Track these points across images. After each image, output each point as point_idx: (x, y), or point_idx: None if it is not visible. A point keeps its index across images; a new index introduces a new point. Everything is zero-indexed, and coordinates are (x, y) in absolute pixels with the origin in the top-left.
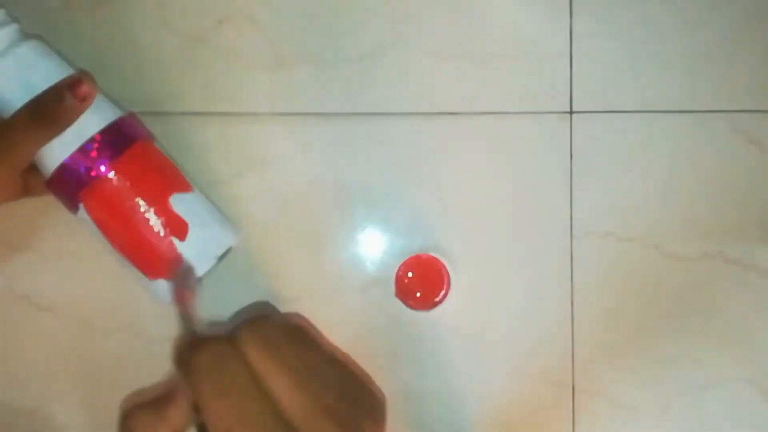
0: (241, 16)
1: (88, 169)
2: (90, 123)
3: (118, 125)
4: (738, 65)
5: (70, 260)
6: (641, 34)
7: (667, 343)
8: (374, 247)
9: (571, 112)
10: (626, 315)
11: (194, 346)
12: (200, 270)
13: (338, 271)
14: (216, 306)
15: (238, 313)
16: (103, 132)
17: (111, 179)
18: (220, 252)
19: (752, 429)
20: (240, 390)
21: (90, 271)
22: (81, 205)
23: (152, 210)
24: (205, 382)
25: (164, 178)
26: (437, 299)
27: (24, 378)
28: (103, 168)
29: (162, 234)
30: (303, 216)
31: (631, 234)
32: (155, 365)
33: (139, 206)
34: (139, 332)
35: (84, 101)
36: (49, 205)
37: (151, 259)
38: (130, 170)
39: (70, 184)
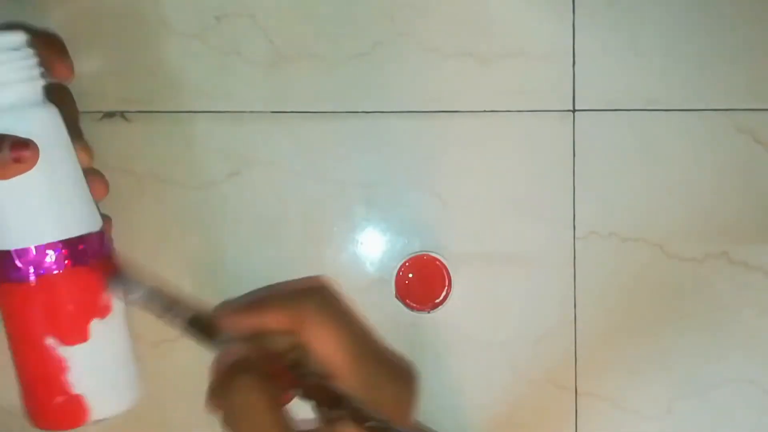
0: (238, 13)
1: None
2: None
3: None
4: (743, 63)
5: None
6: (644, 31)
7: (671, 344)
8: (374, 247)
9: (573, 111)
10: (629, 316)
11: (297, 295)
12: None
13: (338, 271)
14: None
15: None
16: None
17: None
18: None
19: (756, 431)
20: (358, 323)
21: None
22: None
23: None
24: (325, 317)
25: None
26: (438, 300)
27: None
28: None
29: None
30: (302, 216)
31: (634, 234)
32: (154, 366)
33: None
34: (137, 334)
35: (18, 162)
36: None
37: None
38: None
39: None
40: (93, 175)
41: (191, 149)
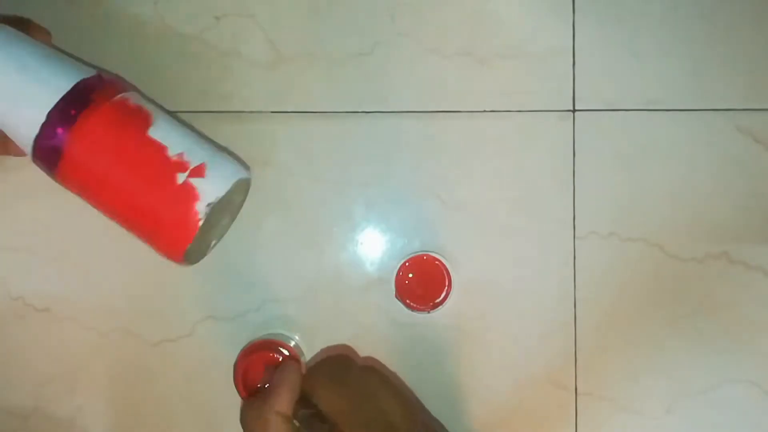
0: (238, 13)
1: (56, 145)
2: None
3: (77, 89)
4: (743, 63)
5: (66, 261)
6: (644, 32)
7: (671, 344)
8: (374, 247)
9: (573, 111)
10: (629, 316)
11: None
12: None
13: (338, 272)
14: (215, 306)
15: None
16: (63, 100)
17: (80, 143)
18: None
19: (756, 431)
20: (357, 387)
21: (86, 273)
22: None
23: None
24: (328, 377)
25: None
26: (438, 300)
27: (20, 378)
28: (65, 137)
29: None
30: (302, 216)
31: (634, 234)
32: (152, 366)
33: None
34: (135, 333)
35: None
36: (46, 206)
37: (169, 214)
38: (94, 131)
39: (48, 159)
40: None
41: None
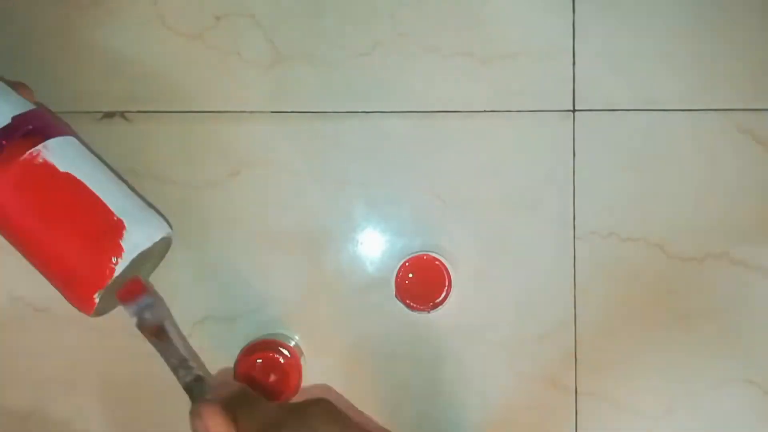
0: (238, 13)
1: None
2: None
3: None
4: (743, 63)
5: None
6: (645, 31)
7: (671, 344)
8: (374, 247)
9: (573, 111)
10: (629, 316)
11: (270, 426)
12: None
13: (338, 272)
14: (215, 306)
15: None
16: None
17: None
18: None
19: (756, 431)
20: None
21: None
22: None
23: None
24: None
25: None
26: (438, 300)
27: (19, 379)
28: None
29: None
30: (302, 216)
31: (634, 234)
32: (153, 366)
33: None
34: (135, 332)
35: None
36: None
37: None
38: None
39: None
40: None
41: (191, 149)
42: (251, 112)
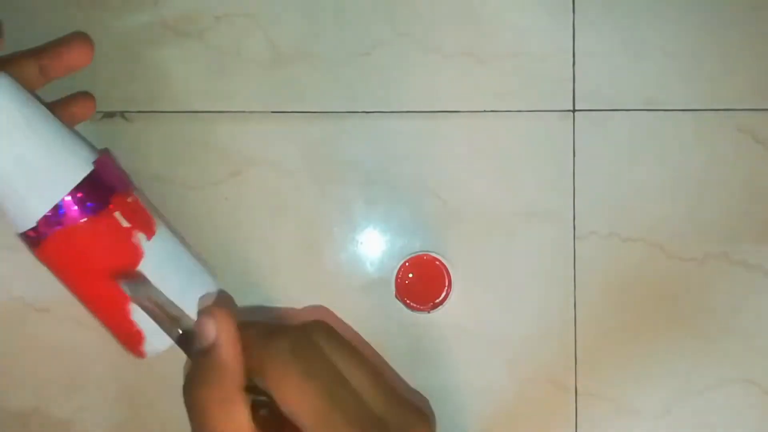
0: (238, 13)
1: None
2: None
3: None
4: (743, 63)
5: None
6: (645, 31)
7: (670, 344)
8: (374, 247)
9: (573, 111)
10: (629, 316)
11: (270, 334)
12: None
13: (338, 272)
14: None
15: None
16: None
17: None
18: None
19: (756, 431)
20: (329, 374)
21: None
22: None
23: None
24: (291, 364)
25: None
26: (438, 300)
27: (20, 379)
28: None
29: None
30: (302, 216)
31: (634, 234)
32: (153, 366)
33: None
34: None
35: None
36: None
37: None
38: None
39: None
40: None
41: (191, 149)
42: (251, 112)
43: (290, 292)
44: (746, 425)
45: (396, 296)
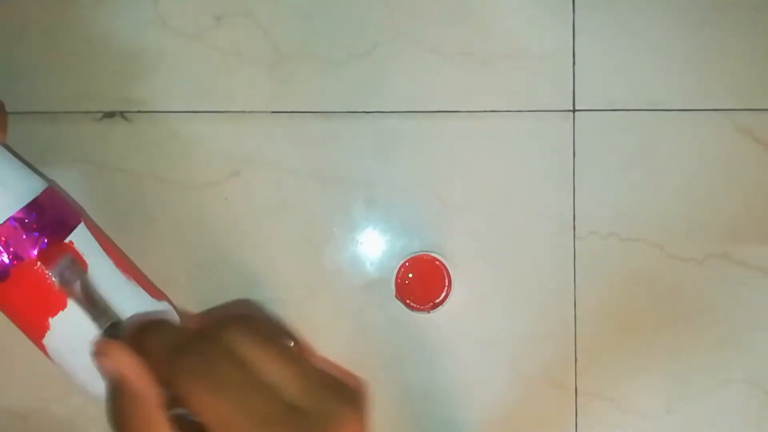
0: (239, 13)
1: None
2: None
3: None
4: (743, 63)
5: None
6: (644, 31)
7: (670, 344)
8: (374, 247)
9: (574, 111)
10: (629, 316)
11: (177, 348)
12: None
13: (338, 271)
14: (214, 306)
15: (216, 309)
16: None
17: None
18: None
19: (756, 431)
20: (238, 380)
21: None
22: None
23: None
24: (198, 380)
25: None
26: (438, 300)
27: (19, 379)
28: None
29: None
30: (302, 216)
31: (634, 234)
32: None
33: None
34: None
35: None
36: None
37: None
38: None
39: None
40: None
41: (191, 149)
42: (251, 112)
43: (290, 291)
44: (746, 425)
45: (396, 296)
